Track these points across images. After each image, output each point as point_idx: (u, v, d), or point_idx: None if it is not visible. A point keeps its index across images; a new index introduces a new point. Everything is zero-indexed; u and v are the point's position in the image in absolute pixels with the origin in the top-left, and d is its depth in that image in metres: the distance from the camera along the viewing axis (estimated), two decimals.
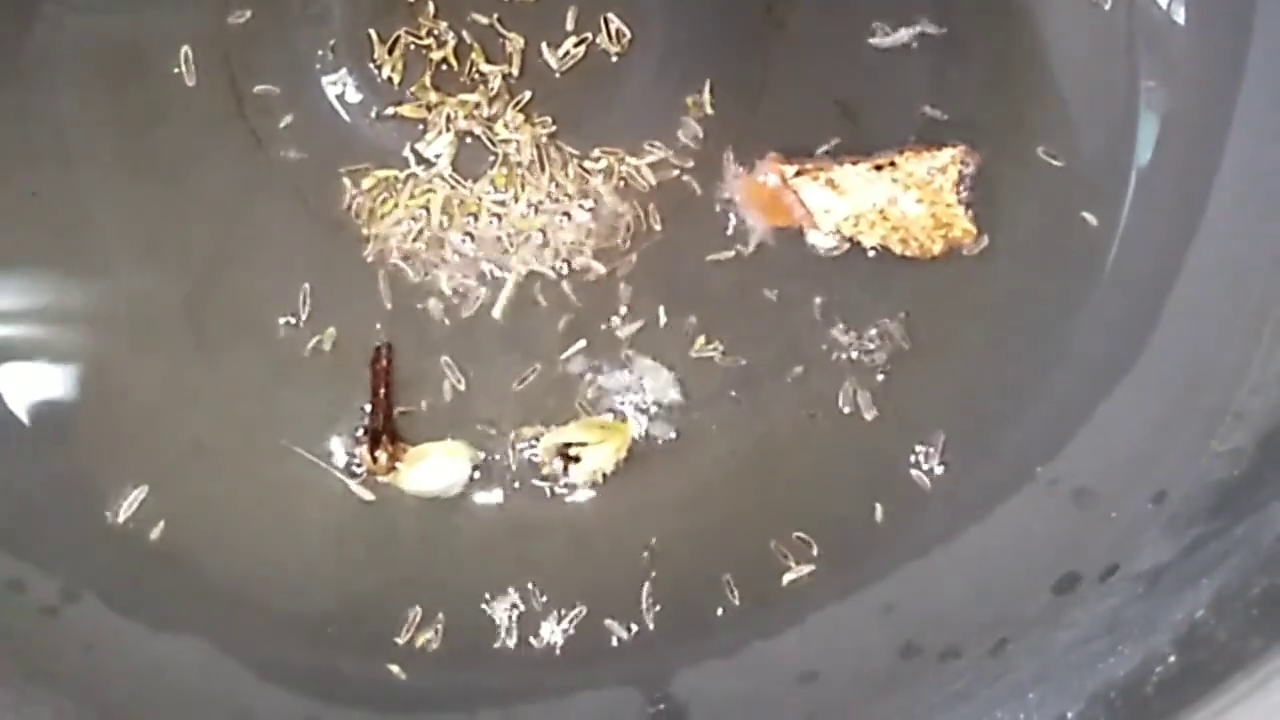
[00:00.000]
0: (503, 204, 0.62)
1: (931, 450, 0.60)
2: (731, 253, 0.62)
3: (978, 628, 0.57)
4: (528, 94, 0.63)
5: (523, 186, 0.62)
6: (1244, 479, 0.55)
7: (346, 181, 0.62)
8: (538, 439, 0.60)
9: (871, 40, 0.63)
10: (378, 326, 0.61)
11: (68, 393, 0.61)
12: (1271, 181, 0.60)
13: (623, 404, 0.61)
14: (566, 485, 0.60)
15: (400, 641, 0.58)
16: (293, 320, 0.61)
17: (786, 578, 0.59)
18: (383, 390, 0.60)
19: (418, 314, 0.62)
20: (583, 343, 0.61)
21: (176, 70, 0.63)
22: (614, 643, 0.59)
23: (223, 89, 0.63)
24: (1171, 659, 0.49)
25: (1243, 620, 0.48)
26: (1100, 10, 0.63)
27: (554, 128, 0.63)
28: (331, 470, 0.60)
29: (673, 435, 0.61)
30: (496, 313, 0.61)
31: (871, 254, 0.62)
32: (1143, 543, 0.56)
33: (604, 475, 0.60)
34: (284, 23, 0.64)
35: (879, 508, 0.60)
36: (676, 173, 0.63)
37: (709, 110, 0.63)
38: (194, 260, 0.62)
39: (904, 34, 0.63)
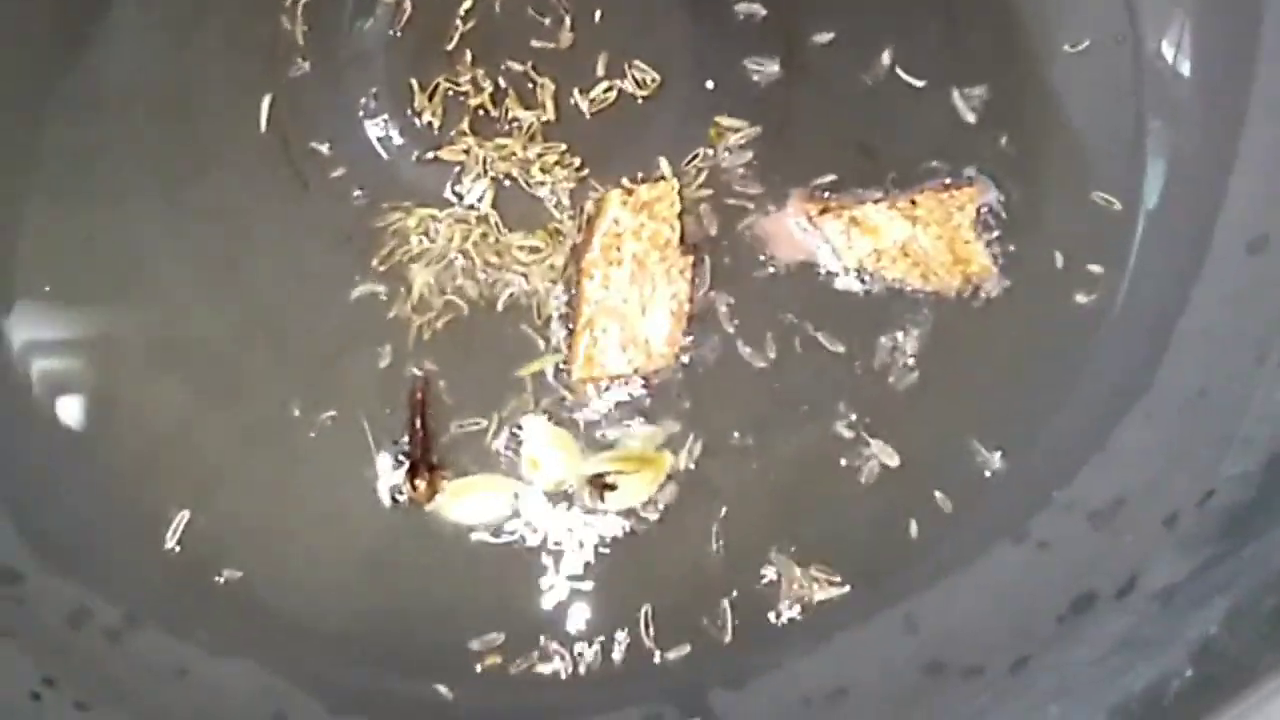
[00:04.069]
0: (538, 250, 0.64)
1: (954, 476, 0.62)
2: (756, 289, 0.63)
3: (999, 645, 0.58)
4: (560, 140, 0.64)
5: (557, 235, 0.64)
6: (1252, 502, 0.56)
7: (388, 220, 0.64)
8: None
9: (956, 103, 0.65)
10: (418, 362, 0.63)
11: (126, 424, 0.63)
12: (1273, 217, 0.61)
13: (654, 433, 0.62)
14: (603, 512, 0.62)
15: (457, 661, 0.60)
16: (338, 352, 0.63)
17: (818, 597, 0.61)
18: (419, 421, 0.62)
19: (458, 346, 0.63)
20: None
21: (227, 115, 0.64)
22: (653, 662, 0.60)
23: (271, 136, 0.65)
24: (1188, 673, 0.50)
25: (1254, 637, 0.49)
26: (1109, 61, 0.65)
27: (585, 172, 0.64)
28: (380, 455, 0.62)
29: (705, 461, 0.62)
30: (538, 341, 0.63)
31: (893, 289, 0.63)
32: (1156, 563, 0.57)
33: (640, 502, 0.61)
34: (330, 73, 0.65)
35: (914, 524, 0.62)
36: (701, 208, 0.64)
37: (732, 146, 0.64)
38: (242, 298, 0.64)
39: (970, 117, 0.65)
